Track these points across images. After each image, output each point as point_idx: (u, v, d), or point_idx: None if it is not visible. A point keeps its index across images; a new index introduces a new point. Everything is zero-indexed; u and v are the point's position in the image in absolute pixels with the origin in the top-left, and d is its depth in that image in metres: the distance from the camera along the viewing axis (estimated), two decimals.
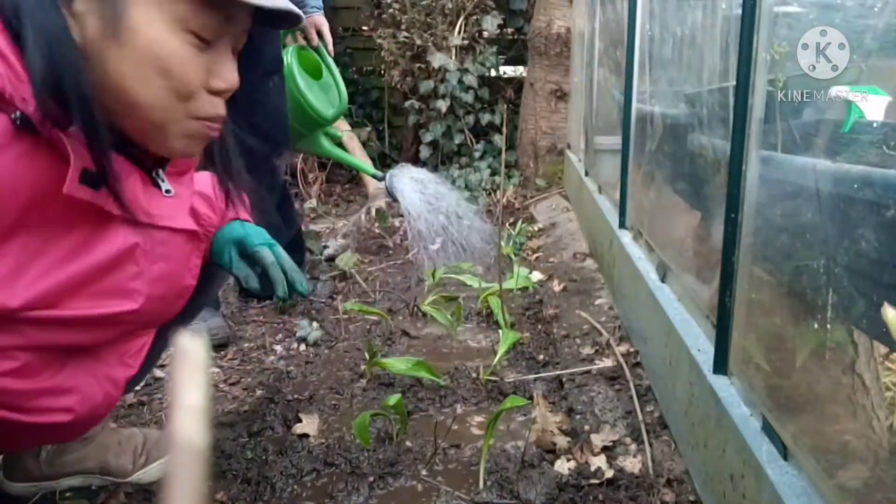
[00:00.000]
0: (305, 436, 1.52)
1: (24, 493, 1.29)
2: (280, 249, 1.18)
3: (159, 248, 0.98)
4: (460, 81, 4.11)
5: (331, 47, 2.39)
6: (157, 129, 0.89)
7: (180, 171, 1.06)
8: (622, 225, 2.17)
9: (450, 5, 4.22)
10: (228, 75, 0.91)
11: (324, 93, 2.35)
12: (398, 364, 1.65)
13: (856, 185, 0.86)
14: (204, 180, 1.14)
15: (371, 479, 1.34)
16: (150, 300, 0.97)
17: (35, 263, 0.85)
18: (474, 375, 1.79)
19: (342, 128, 4.09)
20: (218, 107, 0.92)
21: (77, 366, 0.98)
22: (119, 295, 0.94)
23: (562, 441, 1.42)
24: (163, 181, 1.00)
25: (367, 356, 1.81)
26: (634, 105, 2.11)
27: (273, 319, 2.22)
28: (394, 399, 1.45)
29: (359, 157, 4.02)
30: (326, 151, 2.35)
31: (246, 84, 1.95)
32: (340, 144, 2.76)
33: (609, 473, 1.31)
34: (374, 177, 2.41)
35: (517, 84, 4.47)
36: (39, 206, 0.83)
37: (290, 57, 2.22)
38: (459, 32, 4.19)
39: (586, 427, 1.48)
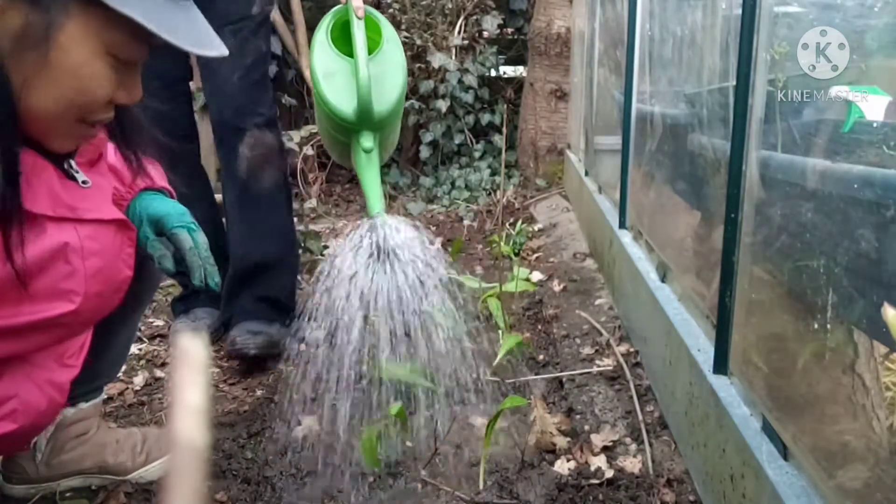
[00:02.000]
0: (305, 436, 1.52)
1: (24, 496, 1.29)
2: (200, 235, 1.13)
3: (90, 243, 0.95)
4: (460, 81, 4.11)
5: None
6: (46, 132, 0.90)
7: (91, 159, 1.04)
8: (622, 225, 2.17)
9: (450, 5, 4.22)
10: (135, 91, 0.93)
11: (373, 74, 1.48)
12: (397, 369, 1.65)
13: (856, 185, 0.86)
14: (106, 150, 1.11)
15: (371, 479, 1.34)
16: (87, 298, 0.94)
17: None
18: (474, 376, 1.78)
19: None
20: (110, 113, 0.93)
21: (14, 374, 0.96)
22: (54, 297, 0.91)
23: (561, 441, 1.42)
24: (77, 172, 0.99)
25: (368, 357, 1.81)
26: (634, 105, 2.11)
27: None
28: (395, 408, 1.45)
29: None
30: (360, 174, 1.51)
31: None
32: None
33: (609, 473, 1.31)
34: (370, 209, 1.48)
35: (517, 84, 4.47)
36: None
37: (326, 20, 1.54)
38: (459, 32, 4.19)
39: (586, 427, 1.48)
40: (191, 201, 1.64)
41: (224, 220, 1.99)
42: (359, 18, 1.42)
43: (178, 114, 1.92)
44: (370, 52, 1.45)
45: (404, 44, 4.23)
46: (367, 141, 1.44)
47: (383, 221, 1.41)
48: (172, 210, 1.13)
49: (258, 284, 1.88)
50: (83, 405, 1.29)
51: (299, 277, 2.49)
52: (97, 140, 1.03)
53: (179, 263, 1.11)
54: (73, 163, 0.99)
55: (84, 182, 0.98)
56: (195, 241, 1.11)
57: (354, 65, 1.36)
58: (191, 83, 2.10)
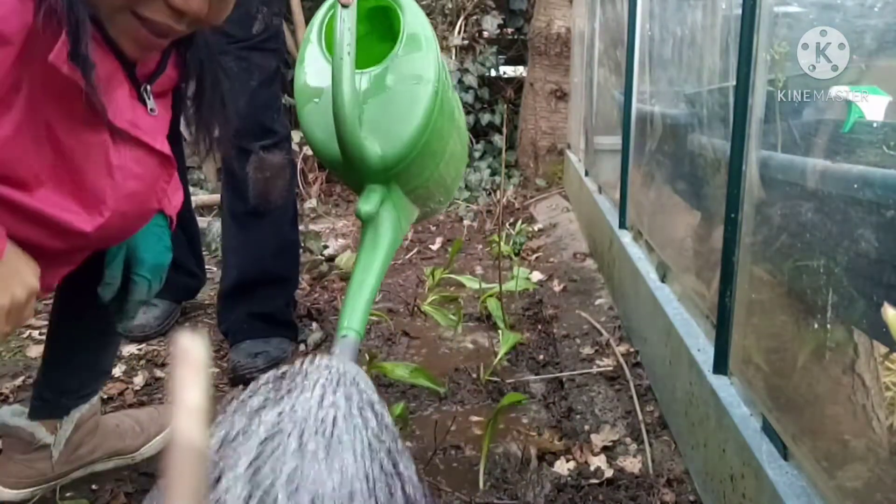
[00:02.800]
0: None
1: (23, 500, 1.29)
2: (155, 287, 1.12)
3: (134, 166, 0.96)
4: (460, 81, 4.12)
5: None
6: (110, 21, 0.88)
7: (164, 90, 1.04)
8: (622, 225, 2.17)
9: (450, 5, 4.22)
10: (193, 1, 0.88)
11: (378, 92, 0.99)
12: (398, 370, 1.65)
13: (856, 185, 0.86)
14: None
15: None
16: (114, 216, 0.95)
17: (26, 127, 0.84)
18: (474, 376, 1.79)
19: None
20: (169, 21, 0.88)
21: None
22: (89, 203, 0.93)
23: (558, 445, 1.43)
24: (149, 98, 0.99)
25: (368, 357, 1.81)
26: (634, 105, 2.11)
27: None
28: (398, 409, 1.45)
29: None
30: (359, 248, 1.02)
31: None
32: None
33: (609, 473, 1.31)
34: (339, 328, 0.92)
35: (517, 84, 4.47)
36: (36, 61, 0.81)
37: (322, 12, 1.06)
38: (459, 32, 4.20)
39: (586, 427, 1.48)
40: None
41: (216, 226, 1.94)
42: (343, 6, 0.90)
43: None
44: (380, 57, 0.98)
45: None
46: (365, 203, 0.95)
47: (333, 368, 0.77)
48: (151, 258, 1.11)
49: (253, 300, 1.84)
50: (94, 399, 1.32)
51: (299, 277, 2.50)
52: (169, 73, 1.02)
53: (118, 298, 1.10)
54: (149, 88, 0.99)
55: (151, 110, 0.99)
56: (149, 293, 1.12)
57: (332, 77, 0.88)
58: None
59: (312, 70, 1.01)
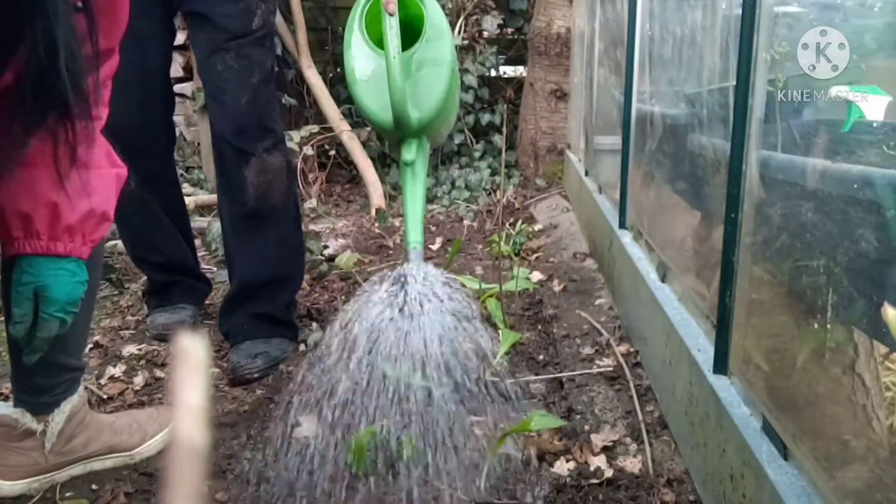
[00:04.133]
0: (305, 436, 1.52)
1: (23, 492, 1.30)
2: (70, 319, 1.09)
3: None
4: (460, 81, 4.11)
5: None
6: None
7: None
8: (622, 225, 2.17)
9: (450, 5, 4.22)
10: None
11: (411, 73, 1.34)
12: (398, 371, 1.65)
13: (856, 185, 0.86)
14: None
15: (371, 479, 1.34)
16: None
17: None
18: (475, 376, 1.78)
19: (342, 127, 4.09)
20: None
21: None
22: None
23: (558, 445, 1.43)
24: None
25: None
26: (634, 105, 2.11)
27: None
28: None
29: (360, 157, 4.03)
30: (403, 191, 1.41)
31: (199, 67, 1.78)
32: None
33: (609, 473, 1.31)
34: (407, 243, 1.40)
35: (517, 84, 4.47)
36: None
37: (360, 6, 1.42)
38: (459, 32, 4.19)
39: (586, 427, 1.48)
40: (161, 210, 1.83)
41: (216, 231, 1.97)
42: (390, 14, 1.23)
43: (143, 118, 1.79)
44: (411, 41, 1.30)
45: None
46: (408, 153, 1.33)
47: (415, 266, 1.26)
48: (64, 297, 1.07)
49: (254, 301, 1.84)
50: (81, 389, 1.34)
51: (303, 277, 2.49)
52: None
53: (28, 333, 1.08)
54: None
55: None
56: (58, 330, 1.09)
57: (387, 71, 1.22)
58: (190, 83, 2.11)
59: (359, 55, 1.36)
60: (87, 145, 0.92)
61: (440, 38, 1.36)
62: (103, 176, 1.10)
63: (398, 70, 1.22)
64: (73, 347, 1.31)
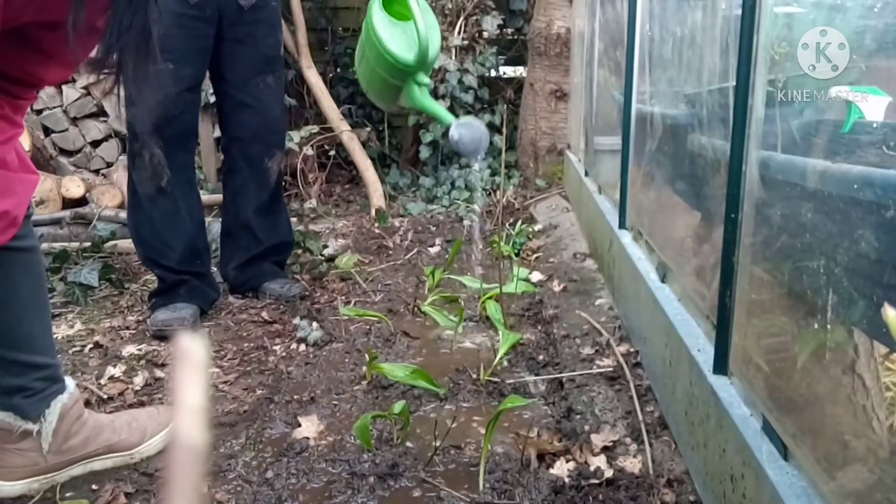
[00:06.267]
0: (305, 437, 1.52)
1: (24, 493, 1.30)
2: None
3: None
4: (460, 82, 4.11)
5: None
6: None
7: None
8: (622, 225, 2.17)
9: (450, 5, 4.22)
10: None
11: (408, 36, 1.94)
12: (397, 371, 1.65)
13: (856, 185, 0.86)
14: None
15: (371, 479, 1.34)
16: None
17: None
18: (474, 376, 1.79)
19: (342, 128, 4.10)
20: None
21: None
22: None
23: (558, 445, 1.43)
24: None
25: (368, 358, 1.81)
26: (634, 105, 2.11)
27: (274, 319, 2.22)
28: (399, 406, 1.46)
29: (360, 158, 4.03)
30: (419, 103, 1.90)
31: (238, 83, 1.98)
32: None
33: (609, 473, 1.31)
34: (447, 120, 1.89)
35: (517, 84, 4.47)
36: None
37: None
38: (459, 33, 4.19)
39: (586, 427, 1.48)
40: (184, 207, 2.17)
41: (239, 211, 2.38)
42: None
43: (189, 118, 2.16)
44: (408, 19, 1.84)
45: None
46: (425, 78, 1.84)
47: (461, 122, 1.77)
48: None
49: (277, 256, 2.45)
50: (71, 388, 1.33)
51: (298, 276, 2.55)
52: None
53: None
54: None
55: None
56: None
57: (414, 23, 1.72)
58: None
59: (382, 23, 1.78)
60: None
61: (428, 13, 1.85)
62: (24, 181, 1.10)
63: (424, 25, 1.69)
64: (28, 345, 1.27)
